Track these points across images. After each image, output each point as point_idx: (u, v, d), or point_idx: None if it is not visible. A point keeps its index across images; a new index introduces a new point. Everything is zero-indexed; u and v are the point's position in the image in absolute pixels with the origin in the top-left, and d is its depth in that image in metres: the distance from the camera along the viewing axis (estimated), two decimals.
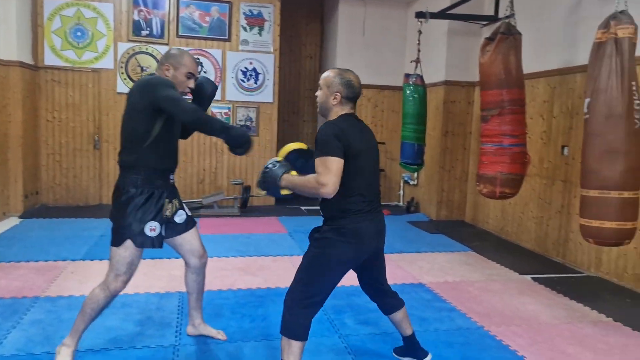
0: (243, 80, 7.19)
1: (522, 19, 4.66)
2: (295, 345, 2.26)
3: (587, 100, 3.39)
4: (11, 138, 6.00)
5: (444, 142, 6.61)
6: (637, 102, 3.24)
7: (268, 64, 7.24)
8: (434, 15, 5.77)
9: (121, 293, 3.34)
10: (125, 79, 6.79)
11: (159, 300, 3.52)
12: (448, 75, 6.50)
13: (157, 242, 2.51)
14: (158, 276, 4.00)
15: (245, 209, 6.99)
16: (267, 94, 7.28)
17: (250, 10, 7.11)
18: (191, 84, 2.61)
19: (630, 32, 3.19)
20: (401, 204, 7.73)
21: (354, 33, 7.51)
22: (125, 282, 2.50)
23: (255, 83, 7.23)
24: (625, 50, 3.19)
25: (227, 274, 4.15)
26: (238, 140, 2.37)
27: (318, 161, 2.17)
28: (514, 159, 4.30)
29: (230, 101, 7.16)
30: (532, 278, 4.36)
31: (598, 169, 3.33)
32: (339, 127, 2.25)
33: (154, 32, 6.86)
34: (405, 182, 7.65)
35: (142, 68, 6.84)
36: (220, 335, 2.95)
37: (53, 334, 2.92)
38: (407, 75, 5.81)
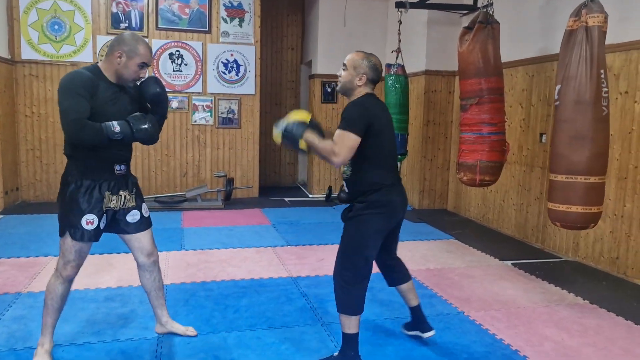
0: (224, 73, 7.15)
1: (500, 8, 4.70)
2: (355, 318, 2.49)
3: (558, 87, 3.46)
4: None
5: (426, 131, 6.67)
6: (605, 89, 3.32)
7: (249, 56, 7.22)
8: (414, 5, 5.80)
9: (104, 287, 3.36)
10: None
11: (142, 293, 3.50)
12: (428, 64, 6.55)
13: (93, 236, 2.44)
14: None
15: (229, 201, 6.99)
16: (249, 85, 7.26)
17: (230, 2, 7.07)
18: (143, 73, 2.48)
19: (600, 20, 3.25)
20: None
21: (335, 24, 7.51)
22: (76, 268, 2.47)
23: (237, 75, 7.20)
24: (595, 38, 3.25)
25: (211, 265, 4.17)
26: (143, 142, 2.45)
27: (339, 133, 2.35)
28: (493, 147, 4.36)
29: (212, 93, 7.13)
30: (512, 264, 4.45)
31: (566, 154, 3.41)
32: (365, 106, 2.44)
33: (133, 24, 6.79)
34: None
35: None
36: (189, 331, 2.89)
37: (35, 329, 2.91)
38: (389, 66, 5.84)
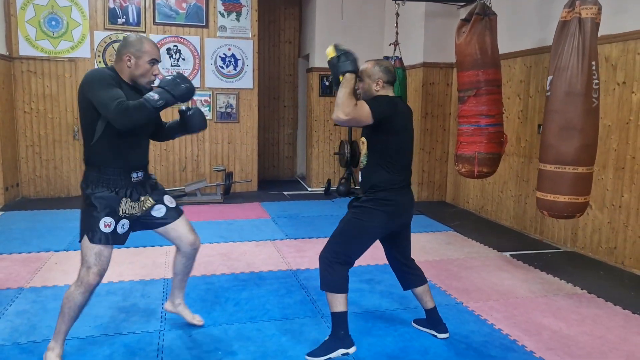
0: (222, 67, 7.15)
1: None
2: (340, 296, 2.54)
3: (550, 77, 3.47)
4: None
5: (424, 123, 6.68)
6: (596, 81, 3.33)
7: (247, 50, 7.21)
8: None
9: (106, 281, 3.38)
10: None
11: (143, 287, 3.55)
12: (426, 57, 6.55)
13: (112, 239, 2.44)
14: (142, 264, 4.02)
15: (228, 195, 7.01)
16: (247, 80, 7.26)
17: None
18: (156, 70, 2.49)
19: (593, 12, 3.26)
20: None
21: (332, 17, 7.49)
22: (98, 275, 2.43)
23: (235, 69, 7.20)
24: (587, 30, 3.26)
25: (211, 260, 4.19)
26: (184, 99, 2.40)
27: (362, 102, 2.44)
28: (491, 139, 4.38)
29: (209, 88, 7.13)
30: (511, 255, 4.48)
31: (555, 144, 3.44)
32: (395, 101, 2.56)
33: (130, 19, 6.78)
34: None
35: None
36: (196, 320, 2.95)
37: (38, 323, 2.95)
38: (386, 58, 5.85)
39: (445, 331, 2.87)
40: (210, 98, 7.14)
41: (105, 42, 6.71)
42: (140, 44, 2.44)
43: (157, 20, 6.85)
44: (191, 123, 2.64)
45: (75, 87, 6.67)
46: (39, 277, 3.71)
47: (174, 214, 2.69)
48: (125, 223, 2.49)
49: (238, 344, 2.74)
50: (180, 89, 2.37)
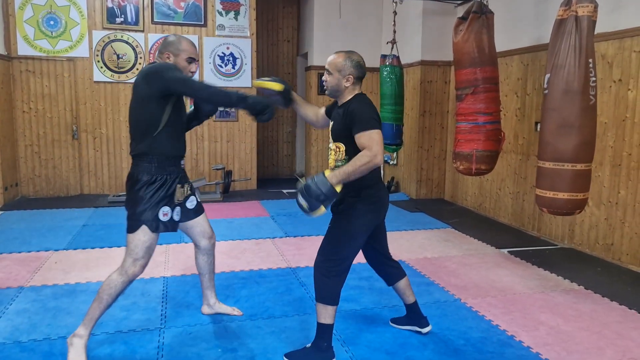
0: (221, 66, 7.16)
1: None
2: (331, 309, 2.50)
3: (547, 75, 3.49)
4: None
5: (422, 121, 6.70)
6: (593, 78, 3.35)
7: (245, 49, 7.22)
8: None
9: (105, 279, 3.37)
10: (101, 67, 6.73)
11: (143, 285, 3.57)
12: (424, 55, 6.56)
13: (170, 226, 2.58)
14: None
15: (228, 193, 7.03)
16: (246, 78, 7.27)
17: None
18: (193, 67, 2.62)
19: (589, 10, 3.28)
20: None
21: (331, 15, 7.50)
22: (143, 267, 2.54)
23: (233, 68, 7.21)
24: (584, 27, 3.28)
25: None
26: (257, 108, 2.46)
27: (363, 136, 2.32)
28: (488, 136, 4.40)
29: None
30: (509, 251, 4.50)
31: (554, 141, 3.45)
32: (372, 104, 2.48)
33: (129, 19, 6.79)
34: (385, 162, 7.74)
35: (118, 56, 6.78)
36: (235, 311, 3.07)
37: (39, 322, 2.96)
38: (384, 57, 5.87)
39: (428, 324, 2.86)
40: None
41: (103, 41, 6.72)
42: (179, 43, 2.58)
43: (155, 20, 6.86)
44: (201, 107, 2.78)
45: (74, 87, 6.68)
46: (39, 276, 3.72)
47: (201, 208, 2.85)
48: (178, 210, 2.63)
49: (238, 342, 2.76)
50: (257, 105, 2.46)
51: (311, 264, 4.06)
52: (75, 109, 6.73)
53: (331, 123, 2.60)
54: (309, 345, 2.61)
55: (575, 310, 3.22)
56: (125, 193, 2.64)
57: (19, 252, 4.29)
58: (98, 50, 6.71)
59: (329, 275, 2.48)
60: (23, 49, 6.47)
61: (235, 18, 7.14)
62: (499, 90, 4.54)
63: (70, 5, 6.57)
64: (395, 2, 5.70)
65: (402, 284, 2.80)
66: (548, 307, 3.28)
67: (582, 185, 3.47)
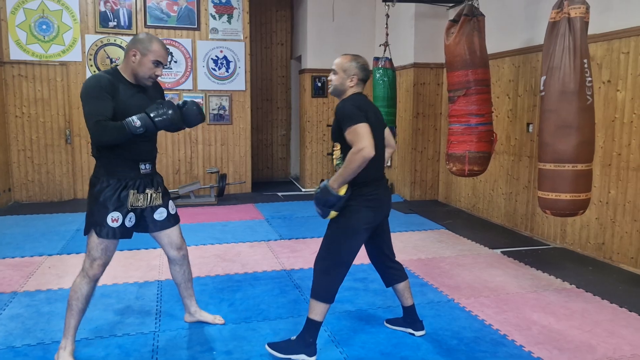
0: (214, 69, 7.18)
1: (485, 0, 4.77)
2: (324, 306, 2.53)
3: (543, 78, 3.52)
4: None
5: (415, 123, 6.73)
6: (589, 79, 3.38)
7: (239, 52, 7.24)
8: None
9: (100, 284, 3.38)
10: (94, 71, 6.73)
11: (137, 289, 3.57)
12: (417, 57, 6.60)
13: (120, 233, 2.48)
14: (137, 266, 4.05)
15: (222, 197, 7.03)
16: (239, 82, 7.29)
17: None
18: (159, 72, 2.52)
19: (581, 11, 3.31)
20: None
21: (324, 18, 7.54)
22: (102, 266, 2.50)
23: (227, 71, 7.22)
24: (577, 29, 3.32)
25: (205, 261, 4.22)
26: (168, 130, 2.49)
27: (349, 132, 2.36)
28: (481, 138, 4.43)
29: (202, 90, 7.15)
30: (502, 252, 4.53)
31: (553, 143, 3.47)
32: (356, 102, 2.50)
33: (122, 23, 6.79)
34: None
35: (111, 60, 6.78)
36: (217, 320, 3.02)
37: (33, 327, 2.96)
38: (376, 59, 5.89)
39: (422, 328, 2.89)
40: (202, 100, 7.16)
41: (96, 45, 6.72)
42: (149, 43, 2.48)
43: (148, 23, 6.86)
44: (188, 119, 2.63)
45: (66, 91, 6.68)
46: (33, 281, 3.72)
47: (173, 221, 2.76)
48: (132, 216, 2.54)
49: (233, 344, 2.77)
50: (164, 121, 2.43)
51: (306, 266, 4.09)
52: (68, 113, 6.73)
53: None
54: (293, 337, 2.63)
55: (567, 309, 3.25)
56: None
57: (13, 258, 4.28)
58: (91, 55, 6.71)
59: (326, 273, 2.52)
60: (15, 54, 6.46)
61: (229, 21, 7.16)
62: (491, 92, 4.57)
63: (62, 9, 6.57)
64: (388, 5, 5.73)
65: (402, 286, 2.82)
66: (540, 306, 3.31)
67: (583, 186, 3.48)
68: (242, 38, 7.24)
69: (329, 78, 2.66)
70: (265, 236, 5.05)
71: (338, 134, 2.50)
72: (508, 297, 3.47)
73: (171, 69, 6.98)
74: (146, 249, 4.42)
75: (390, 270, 2.81)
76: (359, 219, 2.50)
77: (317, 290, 2.54)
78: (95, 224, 2.45)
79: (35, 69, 6.56)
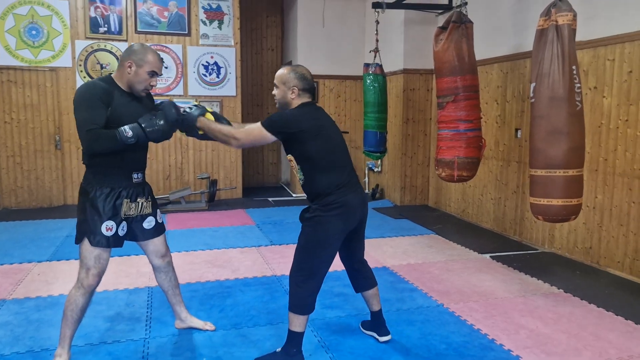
0: (205, 75, 7.19)
1: (474, 7, 4.83)
2: (302, 318, 2.54)
3: (533, 84, 3.57)
4: None
5: (405, 129, 6.78)
6: (578, 85, 3.43)
7: (229, 58, 7.26)
8: (390, 5, 5.90)
9: None
10: (84, 77, 6.71)
11: (127, 296, 3.56)
12: (406, 63, 6.65)
13: (112, 242, 2.49)
14: (127, 273, 4.03)
15: (213, 202, 7.03)
16: (230, 87, 7.30)
17: (209, 4, 7.10)
18: (154, 82, 2.56)
19: (569, 19, 3.37)
20: (367, 191, 7.89)
21: (314, 24, 7.58)
22: (97, 276, 2.50)
23: (218, 77, 7.24)
24: (565, 36, 3.37)
25: (196, 267, 4.22)
26: (157, 141, 2.55)
27: (255, 124, 2.48)
28: (469, 143, 4.47)
29: (193, 96, 7.15)
30: (491, 256, 4.57)
31: (544, 149, 3.51)
32: (291, 114, 2.49)
33: (112, 28, 6.78)
34: (370, 169, 7.81)
35: (101, 65, 6.77)
36: (207, 326, 3.02)
37: (22, 334, 2.95)
38: (367, 65, 5.93)
39: (387, 334, 2.89)
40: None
41: (86, 51, 6.70)
42: (145, 54, 2.51)
43: (138, 29, 6.86)
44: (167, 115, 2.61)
45: (56, 97, 6.65)
46: (22, 289, 3.70)
47: (160, 229, 2.78)
48: (124, 225, 2.55)
49: (223, 350, 2.78)
50: (155, 132, 2.46)
51: None
52: (57, 119, 6.70)
53: None
54: (279, 349, 2.64)
55: (555, 313, 3.29)
56: None
57: (1, 265, 4.25)
58: (81, 60, 6.70)
59: (300, 285, 2.51)
60: (4, 59, 6.42)
61: (219, 27, 7.18)
62: (479, 98, 4.62)
63: (52, 15, 6.56)
64: (377, 12, 5.78)
65: (370, 293, 2.83)
66: (528, 310, 3.34)
67: (575, 191, 3.50)
68: (232, 44, 7.26)
69: (273, 92, 2.64)
70: (255, 242, 5.05)
71: (286, 145, 2.53)
72: (497, 301, 3.50)
73: (162, 74, 6.97)
74: (136, 255, 4.41)
75: (358, 275, 2.80)
76: (327, 229, 2.46)
77: (293, 302, 2.53)
78: (88, 232, 2.45)
79: (25, 75, 6.53)
